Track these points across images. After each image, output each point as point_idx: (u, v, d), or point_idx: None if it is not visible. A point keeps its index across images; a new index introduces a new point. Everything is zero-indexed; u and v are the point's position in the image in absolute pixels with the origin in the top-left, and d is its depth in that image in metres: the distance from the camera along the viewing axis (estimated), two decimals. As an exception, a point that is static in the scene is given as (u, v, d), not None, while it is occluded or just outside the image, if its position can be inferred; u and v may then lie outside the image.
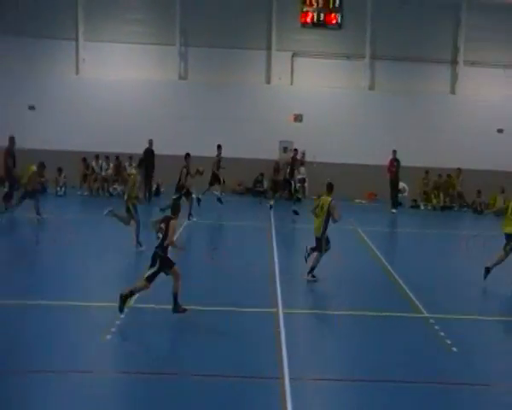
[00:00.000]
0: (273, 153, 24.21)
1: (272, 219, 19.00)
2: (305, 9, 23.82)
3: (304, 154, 24.18)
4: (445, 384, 8.08)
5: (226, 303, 10.54)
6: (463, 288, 12.92)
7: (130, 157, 22.72)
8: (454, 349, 9.17)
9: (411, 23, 24.29)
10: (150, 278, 9.43)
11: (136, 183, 14.13)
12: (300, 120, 24.57)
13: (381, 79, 24.79)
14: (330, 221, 12.20)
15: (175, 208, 9.93)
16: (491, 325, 10.76)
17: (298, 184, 23.46)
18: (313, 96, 24.41)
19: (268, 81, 24.83)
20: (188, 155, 17.75)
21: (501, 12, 24.14)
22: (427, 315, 10.66)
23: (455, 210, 23.08)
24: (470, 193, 23.23)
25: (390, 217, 21.78)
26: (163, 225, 9.59)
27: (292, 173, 20.20)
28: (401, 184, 22.51)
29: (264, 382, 7.88)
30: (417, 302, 11.27)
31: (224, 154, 20.22)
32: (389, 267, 13.91)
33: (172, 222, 9.53)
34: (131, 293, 9.50)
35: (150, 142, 21.95)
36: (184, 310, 9.56)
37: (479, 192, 23.16)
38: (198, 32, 24.39)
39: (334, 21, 24.00)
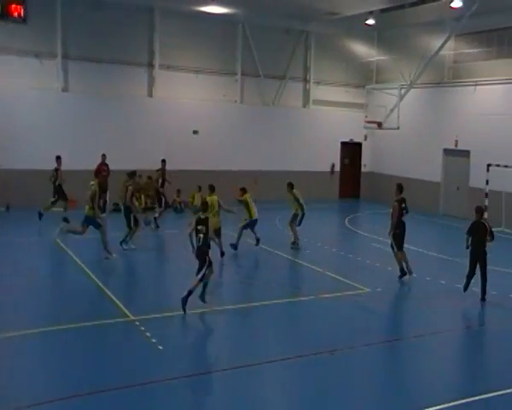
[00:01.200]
0: None
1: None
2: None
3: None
4: (155, 383, 8.06)
5: None
6: (163, 286, 13.40)
7: None
8: (160, 347, 9.31)
9: (108, 25, 23.67)
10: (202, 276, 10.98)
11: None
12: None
13: (77, 81, 23.58)
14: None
15: (206, 207, 11.77)
16: (189, 318, 11.01)
17: None
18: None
19: None
20: (134, 172, 16.91)
21: (190, 20, 25.14)
22: (133, 318, 10.59)
23: (156, 211, 23.17)
24: (171, 193, 23.66)
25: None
26: (200, 227, 11.04)
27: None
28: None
29: None
30: (123, 307, 11.12)
31: None
32: (93, 275, 13.42)
33: (210, 219, 11.47)
34: (189, 293, 10.80)
35: None
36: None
37: (178, 191, 23.76)
38: None
39: (16, 14, 21.72)
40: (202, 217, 11.23)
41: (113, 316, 10.68)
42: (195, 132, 25.52)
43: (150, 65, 24.98)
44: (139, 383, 8.01)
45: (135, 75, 24.64)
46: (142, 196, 23.44)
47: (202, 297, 11.14)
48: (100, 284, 12.68)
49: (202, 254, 11.03)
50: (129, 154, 23.41)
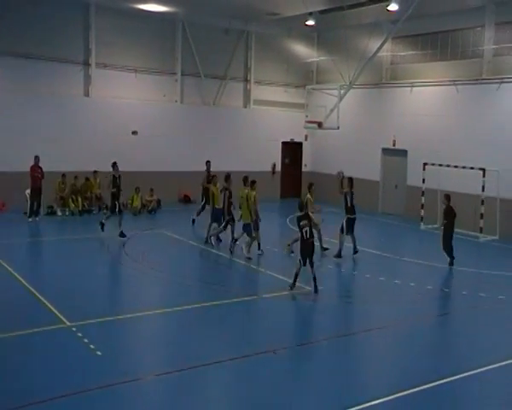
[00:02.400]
0: None
1: None
2: None
3: None
4: (94, 390, 7.80)
5: None
6: (101, 290, 13.03)
7: None
8: (98, 353, 9.04)
9: (40, 20, 22.76)
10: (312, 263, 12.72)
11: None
12: None
13: (5, 78, 22.27)
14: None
15: (302, 205, 12.89)
16: (129, 322, 10.76)
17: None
18: None
19: None
20: (228, 175, 17.11)
21: (128, 17, 24.65)
22: (69, 324, 10.23)
23: (94, 213, 22.59)
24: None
25: (26, 227, 19.93)
26: (303, 222, 12.46)
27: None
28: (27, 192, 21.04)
29: None
30: (58, 313, 10.72)
31: None
32: (25, 281, 12.86)
33: (311, 216, 12.97)
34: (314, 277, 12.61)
35: None
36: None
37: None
38: None
39: None
40: (300, 214, 12.67)
41: (48, 323, 10.24)
42: (134, 133, 24.99)
43: (86, 63, 24.27)
44: (77, 391, 7.70)
45: (70, 73, 23.86)
46: (79, 198, 22.85)
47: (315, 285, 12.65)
48: (33, 291, 12.15)
49: (309, 245, 12.54)
50: (64, 155, 22.71)
